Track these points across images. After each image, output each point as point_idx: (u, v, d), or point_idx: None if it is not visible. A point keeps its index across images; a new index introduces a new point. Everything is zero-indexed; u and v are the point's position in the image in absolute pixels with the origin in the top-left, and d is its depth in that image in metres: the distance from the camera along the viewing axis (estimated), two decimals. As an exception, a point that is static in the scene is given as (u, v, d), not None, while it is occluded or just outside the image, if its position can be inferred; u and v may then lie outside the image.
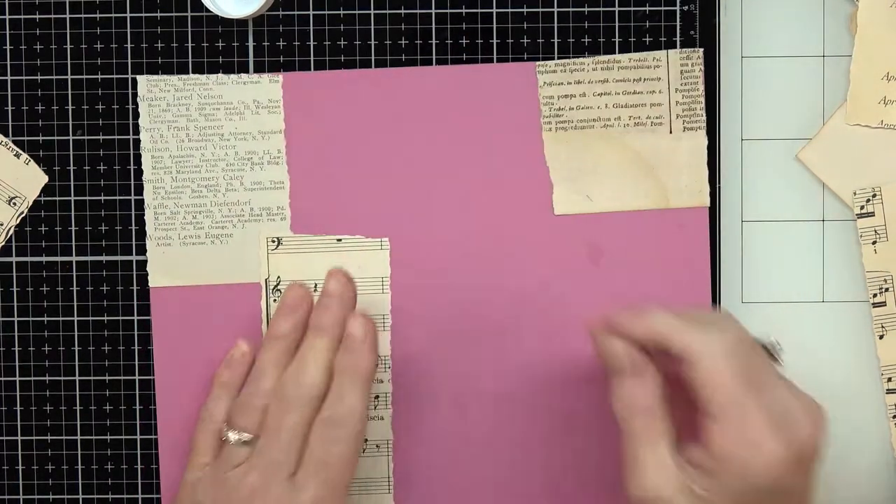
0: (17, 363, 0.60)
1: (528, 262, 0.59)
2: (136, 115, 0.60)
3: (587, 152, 0.59)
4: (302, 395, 0.53)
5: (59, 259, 0.60)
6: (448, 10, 0.60)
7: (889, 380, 0.60)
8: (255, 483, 0.53)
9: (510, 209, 0.59)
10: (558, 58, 0.59)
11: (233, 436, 0.54)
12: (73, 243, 0.60)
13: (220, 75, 0.59)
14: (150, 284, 0.59)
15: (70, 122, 0.60)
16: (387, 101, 0.59)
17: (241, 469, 0.53)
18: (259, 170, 0.60)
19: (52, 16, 0.59)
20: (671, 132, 0.59)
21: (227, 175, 0.60)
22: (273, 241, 0.59)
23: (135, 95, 0.60)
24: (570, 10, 0.59)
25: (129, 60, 0.60)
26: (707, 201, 0.59)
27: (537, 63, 0.59)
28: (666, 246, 0.59)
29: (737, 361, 0.48)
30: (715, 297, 0.60)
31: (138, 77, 0.59)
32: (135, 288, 0.60)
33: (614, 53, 0.59)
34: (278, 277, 0.59)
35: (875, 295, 0.60)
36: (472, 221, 0.59)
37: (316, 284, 0.59)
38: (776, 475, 0.47)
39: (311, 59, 0.60)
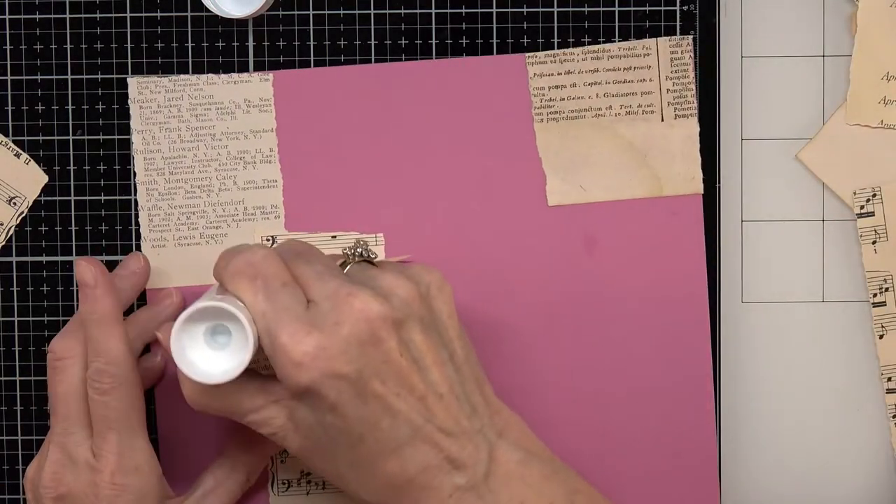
0: (17, 363, 0.60)
1: (522, 254, 0.59)
2: (134, 116, 0.60)
3: (579, 142, 0.59)
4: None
5: (59, 259, 0.60)
6: (448, 10, 0.60)
7: (889, 380, 0.60)
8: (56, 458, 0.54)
9: (503, 201, 0.59)
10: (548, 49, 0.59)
11: None
12: (73, 243, 0.60)
13: (210, 75, 0.59)
14: (147, 286, 0.59)
15: (70, 122, 0.60)
16: (377, 95, 0.59)
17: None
18: (252, 169, 0.60)
19: (52, 16, 0.60)
20: (663, 120, 0.59)
21: (220, 175, 0.60)
22: (268, 240, 0.59)
23: (134, 95, 0.60)
24: (570, 10, 0.59)
25: (129, 60, 0.60)
26: (700, 188, 0.59)
27: (527, 54, 0.59)
28: (660, 234, 0.59)
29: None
30: (715, 297, 0.59)
31: (128, 78, 0.59)
32: (134, 287, 0.60)
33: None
34: (276, 277, 0.59)
35: (875, 295, 0.60)
36: (465, 214, 0.59)
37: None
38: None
39: (311, 59, 0.60)
